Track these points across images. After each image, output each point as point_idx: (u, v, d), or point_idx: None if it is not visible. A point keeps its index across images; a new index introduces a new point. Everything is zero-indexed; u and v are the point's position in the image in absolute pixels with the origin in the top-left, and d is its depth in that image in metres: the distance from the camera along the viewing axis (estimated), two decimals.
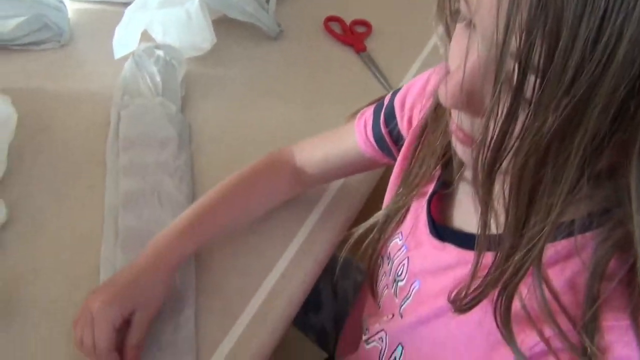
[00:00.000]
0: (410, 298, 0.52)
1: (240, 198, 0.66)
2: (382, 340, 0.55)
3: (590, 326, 0.35)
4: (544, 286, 0.36)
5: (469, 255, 0.40)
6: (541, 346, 0.37)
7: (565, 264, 0.39)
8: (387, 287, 0.58)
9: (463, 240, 0.47)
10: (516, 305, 0.38)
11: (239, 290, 0.64)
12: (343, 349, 0.73)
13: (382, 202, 0.61)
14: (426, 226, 0.51)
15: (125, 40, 0.85)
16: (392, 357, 0.52)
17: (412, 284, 0.52)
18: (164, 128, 0.76)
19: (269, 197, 0.69)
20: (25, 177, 0.72)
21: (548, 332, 0.37)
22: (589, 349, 0.35)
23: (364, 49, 0.96)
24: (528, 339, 0.38)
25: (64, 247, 0.66)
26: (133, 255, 0.61)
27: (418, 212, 0.54)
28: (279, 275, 0.65)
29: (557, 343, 0.36)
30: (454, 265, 0.46)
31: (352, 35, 0.98)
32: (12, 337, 0.58)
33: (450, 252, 0.47)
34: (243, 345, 0.59)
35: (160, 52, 0.84)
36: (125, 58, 0.84)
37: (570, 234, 0.38)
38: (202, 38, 0.87)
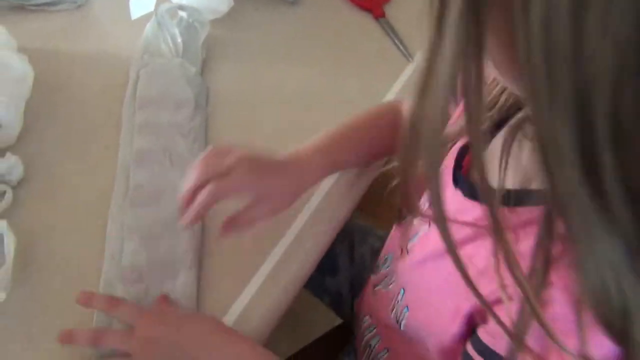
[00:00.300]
0: (416, 238, 0.54)
1: (371, 130, 0.68)
2: (389, 284, 0.58)
3: (538, 280, 0.37)
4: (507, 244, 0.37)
5: (470, 204, 0.46)
6: (498, 294, 0.39)
7: (529, 229, 0.39)
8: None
9: (471, 190, 0.48)
10: (483, 252, 0.40)
11: (253, 251, 0.63)
12: (360, 305, 0.74)
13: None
14: (450, 173, 0.51)
15: (142, 1, 0.84)
16: (396, 300, 0.55)
17: (423, 225, 0.54)
18: (182, 89, 0.75)
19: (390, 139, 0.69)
20: (42, 135, 0.72)
21: (507, 281, 0.38)
22: (531, 302, 0.36)
23: (382, 15, 0.94)
24: (489, 286, 0.40)
25: (80, 204, 0.66)
26: (141, 213, 0.63)
27: (449, 157, 0.53)
28: (293, 238, 0.65)
29: (511, 292, 0.38)
30: (461, 212, 0.47)
31: (371, 1, 0.96)
32: (27, 292, 0.59)
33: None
34: (256, 304, 0.60)
35: (183, 14, 0.83)
36: (142, 19, 0.83)
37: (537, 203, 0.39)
38: (220, 1, 0.86)
